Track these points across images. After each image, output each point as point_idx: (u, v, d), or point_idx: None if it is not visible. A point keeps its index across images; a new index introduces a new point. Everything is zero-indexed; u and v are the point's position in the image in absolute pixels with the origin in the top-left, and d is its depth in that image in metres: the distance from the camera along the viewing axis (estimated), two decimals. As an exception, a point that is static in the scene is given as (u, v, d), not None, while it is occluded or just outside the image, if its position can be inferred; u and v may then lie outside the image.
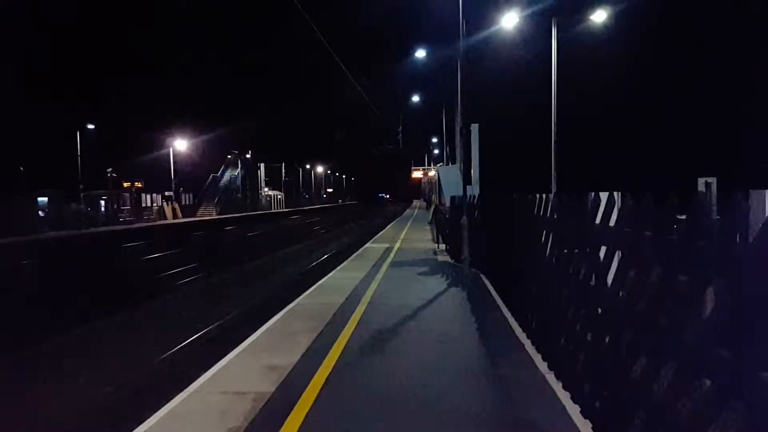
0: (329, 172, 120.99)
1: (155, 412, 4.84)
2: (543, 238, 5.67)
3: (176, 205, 44.90)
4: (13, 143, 44.97)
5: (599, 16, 18.12)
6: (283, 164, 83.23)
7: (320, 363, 5.95)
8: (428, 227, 28.41)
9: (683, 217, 2.84)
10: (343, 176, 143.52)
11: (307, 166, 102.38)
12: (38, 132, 47.97)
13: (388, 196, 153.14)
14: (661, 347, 2.89)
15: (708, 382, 2.46)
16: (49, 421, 7.19)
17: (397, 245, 20.02)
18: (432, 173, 45.30)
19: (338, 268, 14.43)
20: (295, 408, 4.72)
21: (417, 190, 79.43)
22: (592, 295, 4.08)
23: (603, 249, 3.90)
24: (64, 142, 42.73)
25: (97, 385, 8.33)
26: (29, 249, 20.30)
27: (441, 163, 39.78)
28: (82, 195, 39.17)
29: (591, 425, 4.09)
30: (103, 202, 38.76)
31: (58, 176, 41.45)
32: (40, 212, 31.30)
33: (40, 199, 32.38)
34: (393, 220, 44.00)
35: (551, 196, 5.60)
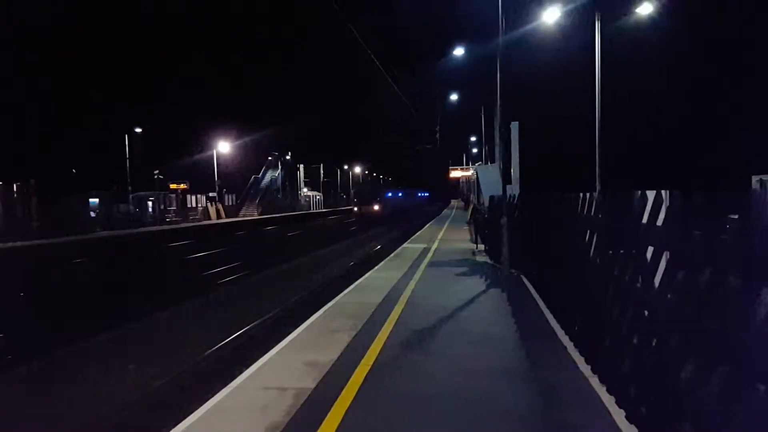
0: (367, 172, 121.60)
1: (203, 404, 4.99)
2: (586, 238, 5.55)
3: (220, 206, 46.01)
4: (66, 147, 47.09)
5: (645, 9, 17.61)
6: (322, 165, 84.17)
7: (359, 361, 6.01)
8: (466, 227, 28.20)
9: (735, 216, 2.74)
10: (381, 176, 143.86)
11: (345, 167, 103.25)
12: (89, 135, 50.00)
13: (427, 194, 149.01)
14: (712, 351, 2.79)
15: (762, 388, 2.37)
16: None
17: (435, 245, 19.94)
18: (470, 173, 44.90)
19: (376, 267, 14.47)
20: (335, 405, 4.77)
21: (455, 189, 78.93)
22: (638, 297, 3.98)
23: (650, 249, 3.79)
24: (114, 145, 44.46)
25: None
26: (84, 248, 21.26)
27: (480, 163, 39.41)
28: (130, 196, 40.64)
29: (637, 431, 3.98)
30: (150, 203, 40.07)
31: (108, 178, 43.10)
32: (91, 213, 32.66)
33: (91, 200, 33.76)
34: (430, 220, 43.83)
35: (595, 194, 5.48)
